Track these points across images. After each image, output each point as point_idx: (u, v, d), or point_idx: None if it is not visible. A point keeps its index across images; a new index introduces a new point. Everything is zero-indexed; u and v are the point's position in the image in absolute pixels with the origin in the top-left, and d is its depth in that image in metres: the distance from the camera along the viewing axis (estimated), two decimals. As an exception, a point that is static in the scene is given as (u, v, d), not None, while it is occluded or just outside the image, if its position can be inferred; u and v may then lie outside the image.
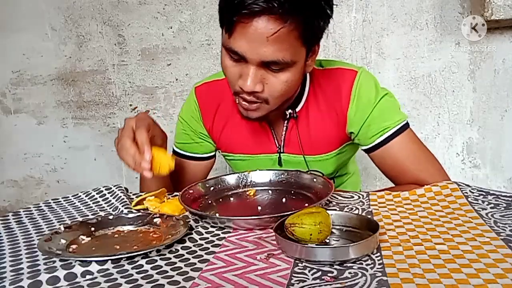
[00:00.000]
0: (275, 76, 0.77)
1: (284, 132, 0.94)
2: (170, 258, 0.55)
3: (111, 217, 0.69)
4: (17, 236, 0.67)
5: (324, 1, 0.74)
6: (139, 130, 0.75)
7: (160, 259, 0.55)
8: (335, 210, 0.68)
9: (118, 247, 0.59)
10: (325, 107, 0.91)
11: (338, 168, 1.01)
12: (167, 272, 0.52)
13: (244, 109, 0.82)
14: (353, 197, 0.77)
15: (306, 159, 0.93)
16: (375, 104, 0.87)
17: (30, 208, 0.81)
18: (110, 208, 0.78)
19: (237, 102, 0.82)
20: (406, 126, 0.88)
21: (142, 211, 0.74)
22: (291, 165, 0.95)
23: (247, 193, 0.82)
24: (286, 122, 0.93)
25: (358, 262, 0.51)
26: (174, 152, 1.04)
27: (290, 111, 0.90)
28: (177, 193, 0.81)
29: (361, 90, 0.88)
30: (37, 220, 0.74)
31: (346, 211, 0.67)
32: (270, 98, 0.79)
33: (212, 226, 0.66)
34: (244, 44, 0.73)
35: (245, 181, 0.85)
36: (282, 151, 0.95)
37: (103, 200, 0.83)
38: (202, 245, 0.59)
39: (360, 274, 0.47)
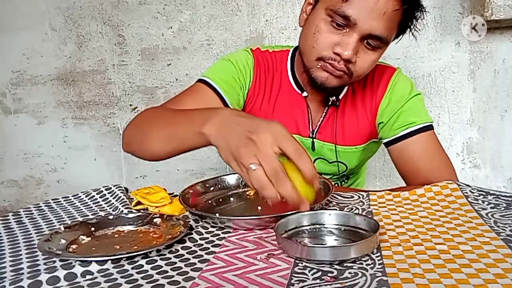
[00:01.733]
0: (367, 53, 0.81)
1: (322, 118, 0.96)
2: (170, 258, 0.55)
3: (111, 217, 0.69)
4: (17, 236, 0.67)
5: (422, 5, 0.82)
6: (304, 158, 0.55)
7: (160, 259, 0.55)
8: (335, 210, 0.68)
9: (118, 247, 0.59)
10: (361, 100, 0.94)
11: (360, 164, 1.04)
12: (167, 272, 0.52)
13: (325, 73, 0.83)
14: (353, 197, 0.77)
15: (337, 149, 0.95)
16: (407, 100, 0.91)
17: (30, 208, 0.81)
18: (110, 208, 0.78)
19: (317, 66, 0.83)
20: (430, 127, 0.90)
21: (142, 211, 0.74)
22: (321, 152, 0.97)
23: (247, 193, 0.82)
24: (326, 108, 0.95)
25: (358, 262, 0.51)
26: (201, 81, 0.95)
27: (333, 98, 0.93)
28: (177, 193, 0.81)
29: (397, 85, 0.93)
30: (37, 220, 0.74)
31: (346, 211, 0.67)
32: (355, 73, 0.83)
33: (212, 226, 0.66)
34: (361, 11, 0.76)
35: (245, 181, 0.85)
36: (314, 136, 0.96)
37: (103, 200, 0.83)
38: (202, 245, 0.59)
39: (360, 274, 0.47)
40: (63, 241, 0.60)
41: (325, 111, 0.95)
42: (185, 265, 0.53)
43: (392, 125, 0.91)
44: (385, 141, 0.94)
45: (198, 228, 0.66)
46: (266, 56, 0.99)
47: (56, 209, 0.80)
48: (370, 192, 0.79)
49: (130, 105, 1.82)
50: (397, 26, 0.81)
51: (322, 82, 0.84)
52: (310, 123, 0.96)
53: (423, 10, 0.83)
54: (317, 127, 0.96)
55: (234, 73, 0.95)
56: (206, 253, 0.56)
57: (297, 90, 0.95)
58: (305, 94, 0.94)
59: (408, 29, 0.85)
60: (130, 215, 0.69)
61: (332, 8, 0.78)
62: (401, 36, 0.87)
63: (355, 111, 0.95)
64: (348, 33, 0.79)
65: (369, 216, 0.61)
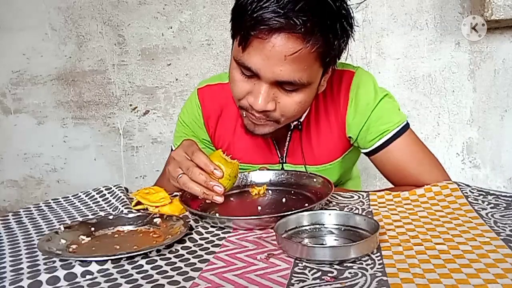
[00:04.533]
0: (289, 96, 0.74)
1: (287, 143, 0.92)
2: (170, 258, 0.55)
3: (111, 217, 0.69)
4: (17, 236, 0.67)
5: (346, 22, 0.71)
6: (196, 154, 0.69)
7: (160, 259, 0.55)
8: (335, 210, 0.68)
9: (118, 247, 0.59)
10: (326, 115, 0.89)
11: (342, 176, 1.00)
12: (167, 272, 0.52)
13: (250, 123, 0.79)
14: (353, 197, 0.77)
15: (310, 169, 0.91)
16: (373, 107, 0.85)
17: (30, 208, 0.81)
18: (110, 208, 0.78)
19: (243, 115, 0.80)
20: (406, 127, 0.86)
21: (142, 211, 0.74)
22: None
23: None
24: (289, 133, 0.91)
25: (358, 262, 0.51)
26: (172, 151, 1.02)
27: (295, 122, 0.89)
28: (177, 193, 0.81)
29: (359, 93, 0.86)
30: (37, 220, 0.74)
31: (346, 211, 0.67)
32: (282, 118, 0.77)
33: (212, 226, 0.66)
34: (259, 61, 0.69)
35: (245, 181, 0.85)
36: (284, 161, 0.94)
37: (103, 200, 0.83)
38: (202, 245, 0.59)
39: (360, 274, 0.47)
40: (63, 241, 0.60)
41: (288, 135, 0.91)
42: (185, 265, 0.53)
43: (365, 137, 0.86)
44: (363, 151, 0.90)
45: (198, 228, 0.66)
46: (216, 90, 0.95)
47: (56, 209, 0.80)
48: (370, 192, 0.79)
49: (130, 105, 1.82)
50: (315, 61, 0.71)
51: (251, 131, 0.81)
52: (277, 149, 0.93)
53: (348, 30, 0.72)
54: (285, 152, 0.93)
55: (189, 133, 0.99)
56: (206, 253, 0.56)
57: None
58: None
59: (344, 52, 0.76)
60: (130, 215, 0.69)
61: (236, 59, 0.73)
62: (336, 62, 0.78)
63: (321, 129, 0.90)
64: (258, 81, 0.73)
65: (369, 216, 0.61)
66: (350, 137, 0.89)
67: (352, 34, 0.74)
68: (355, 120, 0.87)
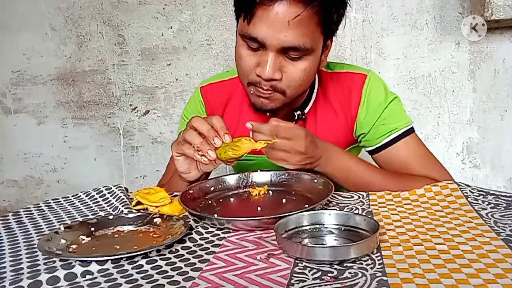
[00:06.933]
0: (294, 65, 0.78)
1: None
2: (170, 258, 0.55)
3: (111, 217, 0.69)
4: (17, 236, 0.67)
5: None
6: (215, 117, 0.74)
7: (160, 259, 0.55)
8: (335, 210, 0.68)
9: (118, 247, 0.59)
10: (333, 110, 0.92)
11: None
12: (167, 272, 0.52)
13: (258, 98, 0.82)
14: (353, 197, 0.77)
15: None
16: (385, 107, 0.89)
17: (30, 208, 0.81)
18: (110, 208, 0.78)
19: (251, 92, 0.82)
20: (412, 130, 0.90)
21: (142, 211, 0.74)
22: None
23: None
24: (294, 123, 0.92)
25: (358, 262, 0.51)
26: None
27: (298, 112, 0.91)
28: (177, 193, 0.81)
29: (371, 94, 0.90)
30: (37, 220, 0.74)
31: (346, 211, 0.67)
32: (287, 89, 0.80)
33: (212, 226, 0.66)
34: (265, 29, 0.74)
35: (245, 181, 0.85)
36: None
37: (103, 200, 0.83)
38: (202, 245, 0.59)
39: (360, 274, 0.47)
40: (63, 241, 0.60)
41: None
42: (185, 265, 0.53)
43: (374, 134, 0.90)
44: (368, 149, 0.93)
45: (198, 228, 0.66)
46: (218, 88, 0.99)
47: (56, 209, 0.80)
48: (370, 192, 0.79)
49: (130, 105, 1.82)
50: (316, 27, 0.76)
51: (260, 107, 0.83)
52: None
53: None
54: None
55: None
56: (206, 253, 0.56)
57: (259, 112, 0.89)
58: (268, 113, 0.88)
59: (341, 22, 0.81)
60: (130, 215, 0.69)
61: (241, 33, 0.78)
62: (335, 32, 0.83)
63: (328, 121, 0.93)
64: (264, 52, 0.77)
65: (369, 216, 0.61)
66: (361, 134, 0.92)
67: (349, 3, 0.80)
68: (366, 118, 0.90)
